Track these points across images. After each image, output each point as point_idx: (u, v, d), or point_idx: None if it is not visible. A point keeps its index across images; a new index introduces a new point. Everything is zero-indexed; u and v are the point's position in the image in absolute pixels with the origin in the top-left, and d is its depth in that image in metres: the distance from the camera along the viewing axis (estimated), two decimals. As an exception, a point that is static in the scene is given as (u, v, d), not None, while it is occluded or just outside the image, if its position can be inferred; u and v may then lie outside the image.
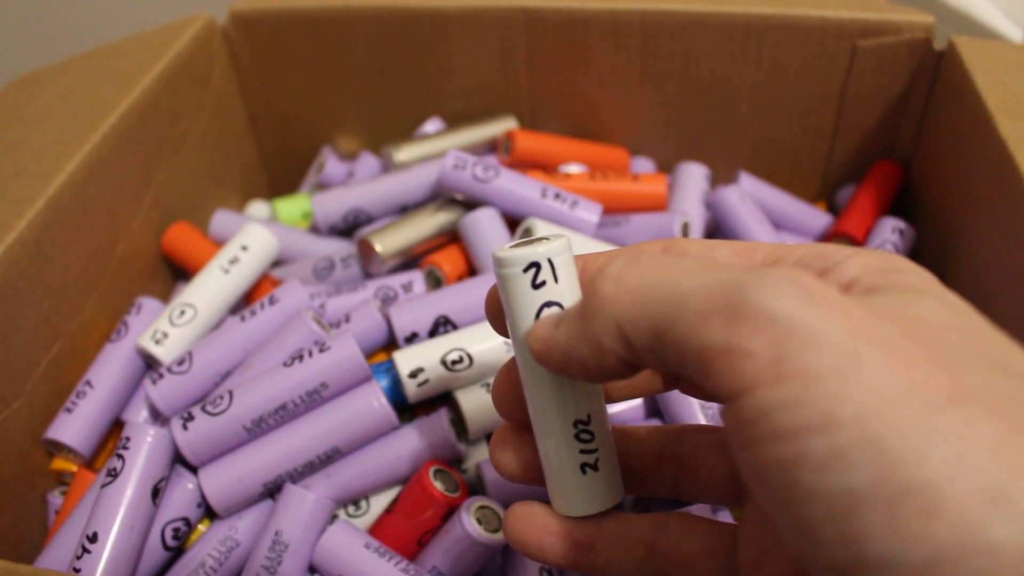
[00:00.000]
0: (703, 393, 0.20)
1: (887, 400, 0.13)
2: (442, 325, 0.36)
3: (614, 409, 0.35)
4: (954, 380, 0.14)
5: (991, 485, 0.13)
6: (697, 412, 0.34)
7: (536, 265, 0.19)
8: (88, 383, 0.37)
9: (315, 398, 0.33)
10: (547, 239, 0.20)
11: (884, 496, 0.13)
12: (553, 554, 0.22)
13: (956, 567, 0.12)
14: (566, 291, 0.20)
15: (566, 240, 0.20)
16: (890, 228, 0.44)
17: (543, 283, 0.19)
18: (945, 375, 0.14)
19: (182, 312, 0.38)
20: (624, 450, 0.23)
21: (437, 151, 0.47)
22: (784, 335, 0.14)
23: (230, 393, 0.33)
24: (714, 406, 0.34)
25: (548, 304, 0.19)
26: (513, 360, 0.22)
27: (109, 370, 0.38)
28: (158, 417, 0.37)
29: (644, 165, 0.50)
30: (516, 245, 0.20)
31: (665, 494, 0.24)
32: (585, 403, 0.21)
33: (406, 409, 0.36)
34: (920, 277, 0.17)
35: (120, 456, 0.32)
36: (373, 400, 0.33)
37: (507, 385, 0.22)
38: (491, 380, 0.35)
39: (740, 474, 0.17)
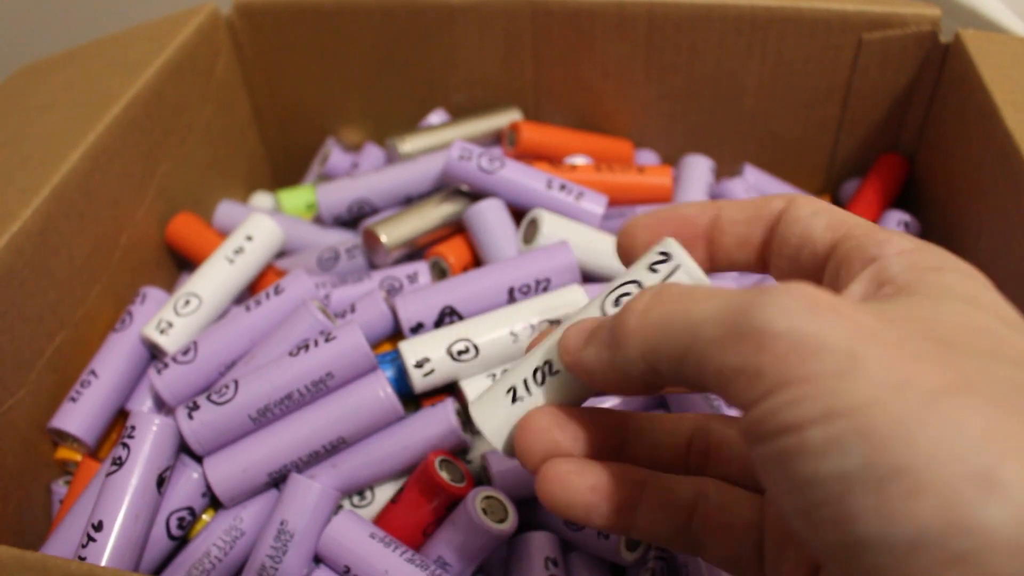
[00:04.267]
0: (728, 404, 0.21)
1: (883, 391, 0.14)
2: (448, 315, 0.36)
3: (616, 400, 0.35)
4: (954, 372, 0.14)
5: (980, 467, 0.13)
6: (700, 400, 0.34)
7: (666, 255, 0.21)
8: (93, 372, 0.37)
9: (320, 388, 0.33)
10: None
11: (873, 478, 0.13)
12: (598, 515, 0.22)
13: (942, 547, 0.13)
14: None
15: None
16: (895, 222, 0.44)
17: (670, 273, 0.21)
18: (945, 368, 0.14)
19: (187, 302, 0.38)
20: (653, 438, 0.24)
21: (442, 142, 0.46)
22: (790, 349, 0.15)
23: (235, 383, 0.33)
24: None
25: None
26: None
27: (114, 359, 0.38)
28: (163, 407, 0.37)
29: (649, 158, 0.50)
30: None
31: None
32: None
33: (412, 399, 0.36)
34: (959, 276, 0.18)
35: (125, 445, 0.32)
36: (379, 390, 0.33)
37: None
38: (497, 371, 0.35)
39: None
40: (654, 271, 0.21)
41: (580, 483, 0.21)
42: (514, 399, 0.22)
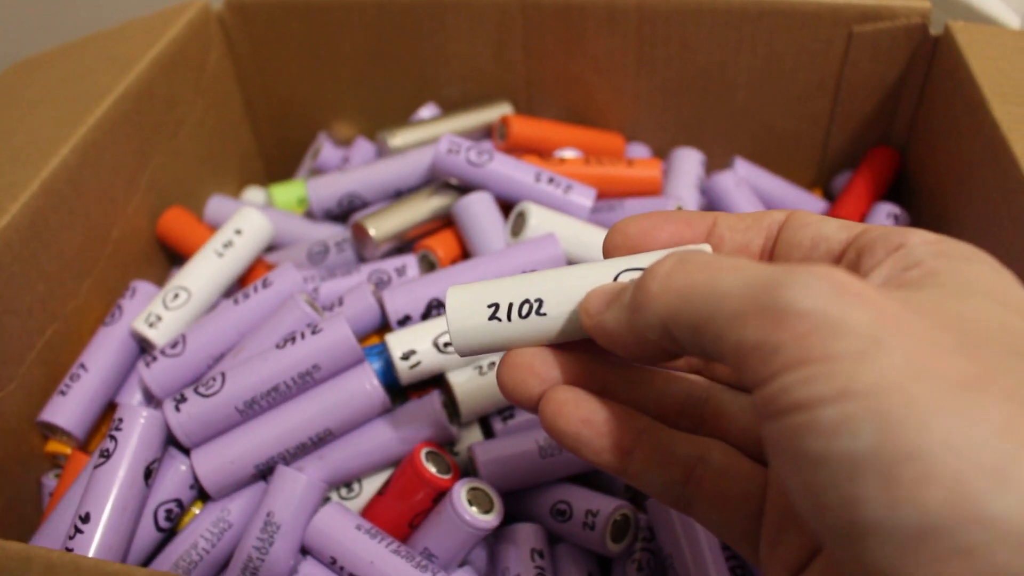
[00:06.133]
0: (740, 383, 0.21)
1: (901, 377, 0.14)
2: (435, 308, 0.36)
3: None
4: (976, 366, 0.14)
5: (994, 461, 0.13)
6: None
7: None
8: (82, 366, 0.37)
9: (307, 380, 0.33)
10: None
11: (882, 461, 0.13)
12: (589, 448, 0.21)
13: (949, 536, 0.13)
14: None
15: None
16: (885, 214, 0.44)
17: None
18: (967, 361, 0.14)
19: (176, 295, 0.39)
20: (644, 392, 0.23)
21: (432, 136, 0.46)
22: (812, 329, 0.15)
23: (223, 375, 0.33)
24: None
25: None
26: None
27: (103, 353, 0.38)
28: (152, 400, 0.38)
29: (640, 151, 0.50)
30: None
31: None
32: None
33: (399, 391, 0.36)
34: (988, 270, 0.17)
35: (113, 437, 0.32)
36: (365, 382, 0.33)
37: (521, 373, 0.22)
38: (483, 363, 0.35)
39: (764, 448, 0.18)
40: None
41: (573, 413, 0.21)
42: (493, 316, 0.22)
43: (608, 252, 0.23)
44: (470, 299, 0.22)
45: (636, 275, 0.21)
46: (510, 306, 0.22)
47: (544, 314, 0.21)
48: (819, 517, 0.14)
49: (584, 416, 0.21)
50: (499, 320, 0.22)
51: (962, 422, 0.13)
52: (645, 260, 0.21)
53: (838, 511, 0.14)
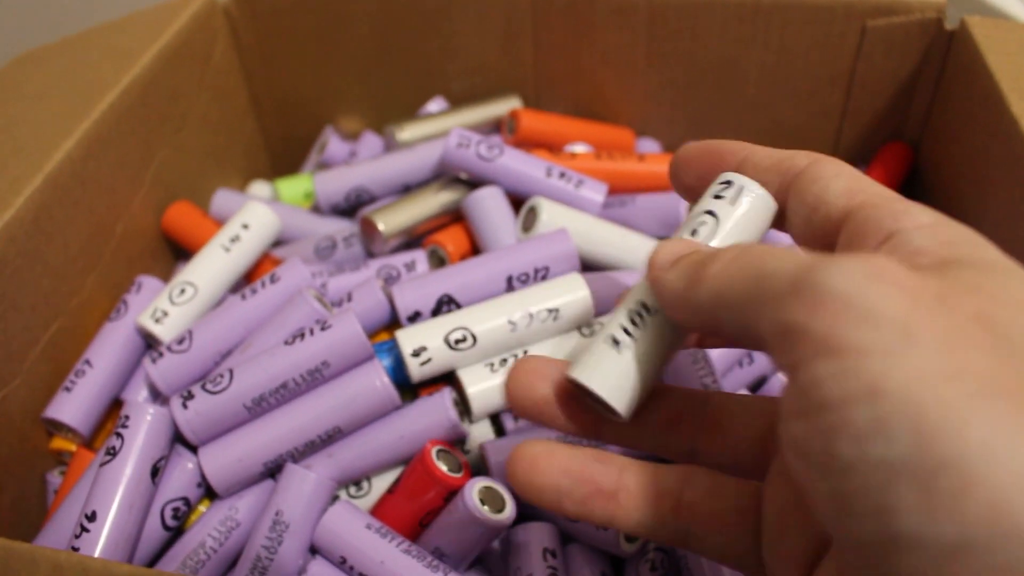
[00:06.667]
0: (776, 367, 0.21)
1: (935, 378, 0.13)
2: (445, 304, 0.36)
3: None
4: (1012, 367, 0.14)
5: None
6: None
7: (741, 189, 0.21)
8: (87, 362, 0.37)
9: (316, 377, 0.33)
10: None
11: (920, 470, 0.13)
12: (571, 500, 0.21)
13: (989, 553, 0.12)
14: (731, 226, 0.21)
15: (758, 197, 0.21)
16: (899, 210, 0.43)
17: (733, 198, 0.22)
18: (1004, 366, 0.14)
19: (182, 291, 0.38)
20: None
21: (440, 130, 0.46)
22: (841, 311, 0.14)
23: (230, 372, 0.33)
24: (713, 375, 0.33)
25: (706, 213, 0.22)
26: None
27: (108, 349, 0.37)
28: (158, 396, 0.37)
29: (650, 146, 0.50)
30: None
31: (675, 458, 0.23)
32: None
33: (408, 388, 0.35)
34: (999, 255, 0.17)
35: (119, 435, 0.32)
36: (375, 379, 0.32)
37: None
38: (495, 360, 0.34)
39: (781, 449, 0.17)
40: (720, 197, 0.22)
41: (548, 463, 0.21)
42: (617, 347, 0.21)
43: (673, 180, 0.24)
44: (592, 358, 0.21)
45: (708, 228, 0.21)
46: (623, 328, 0.21)
47: (656, 311, 0.21)
48: (846, 526, 0.14)
49: (560, 465, 0.21)
50: (625, 345, 0.21)
51: (999, 429, 0.12)
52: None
53: (870, 520, 0.13)
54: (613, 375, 0.21)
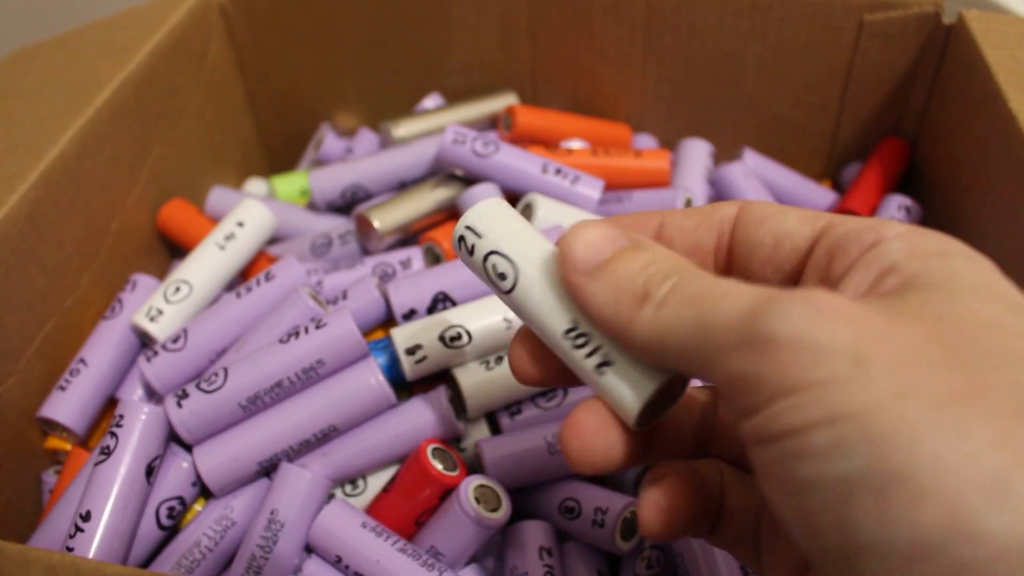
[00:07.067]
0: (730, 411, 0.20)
1: (888, 396, 0.14)
2: (441, 302, 0.35)
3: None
4: (964, 378, 0.14)
5: (988, 475, 0.12)
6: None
7: (461, 238, 0.21)
8: (82, 361, 0.37)
9: (311, 375, 0.32)
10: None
11: (875, 482, 0.13)
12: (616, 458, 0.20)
13: (946, 555, 0.12)
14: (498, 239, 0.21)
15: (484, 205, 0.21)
16: (896, 206, 0.43)
17: (472, 247, 0.21)
18: (956, 375, 0.14)
19: (177, 289, 0.38)
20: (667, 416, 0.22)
21: (437, 127, 0.46)
22: (794, 356, 0.14)
23: (225, 370, 0.33)
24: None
25: (490, 254, 0.21)
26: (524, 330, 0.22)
27: (103, 347, 0.37)
28: (153, 395, 0.37)
29: (647, 142, 0.49)
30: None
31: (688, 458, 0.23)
32: (567, 313, 0.20)
33: (404, 387, 0.35)
34: (966, 262, 0.17)
35: (114, 434, 0.31)
36: (370, 377, 0.32)
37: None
38: (491, 358, 0.34)
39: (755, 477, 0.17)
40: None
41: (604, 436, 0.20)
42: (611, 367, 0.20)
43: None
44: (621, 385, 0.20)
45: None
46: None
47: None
48: (813, 541, 0.14)
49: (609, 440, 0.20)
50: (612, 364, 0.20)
51: (951, 438, 0.13)
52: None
53: (832, 534, 0.14)
54: (626, 385, 0.20)
